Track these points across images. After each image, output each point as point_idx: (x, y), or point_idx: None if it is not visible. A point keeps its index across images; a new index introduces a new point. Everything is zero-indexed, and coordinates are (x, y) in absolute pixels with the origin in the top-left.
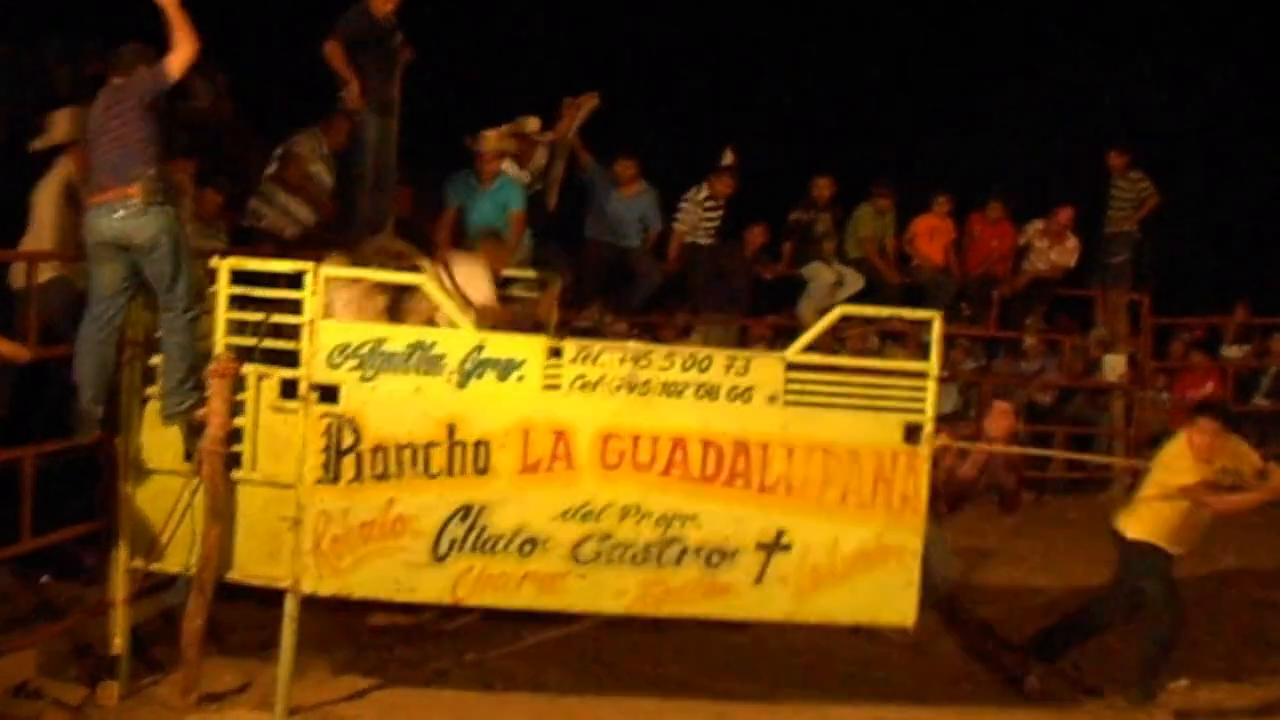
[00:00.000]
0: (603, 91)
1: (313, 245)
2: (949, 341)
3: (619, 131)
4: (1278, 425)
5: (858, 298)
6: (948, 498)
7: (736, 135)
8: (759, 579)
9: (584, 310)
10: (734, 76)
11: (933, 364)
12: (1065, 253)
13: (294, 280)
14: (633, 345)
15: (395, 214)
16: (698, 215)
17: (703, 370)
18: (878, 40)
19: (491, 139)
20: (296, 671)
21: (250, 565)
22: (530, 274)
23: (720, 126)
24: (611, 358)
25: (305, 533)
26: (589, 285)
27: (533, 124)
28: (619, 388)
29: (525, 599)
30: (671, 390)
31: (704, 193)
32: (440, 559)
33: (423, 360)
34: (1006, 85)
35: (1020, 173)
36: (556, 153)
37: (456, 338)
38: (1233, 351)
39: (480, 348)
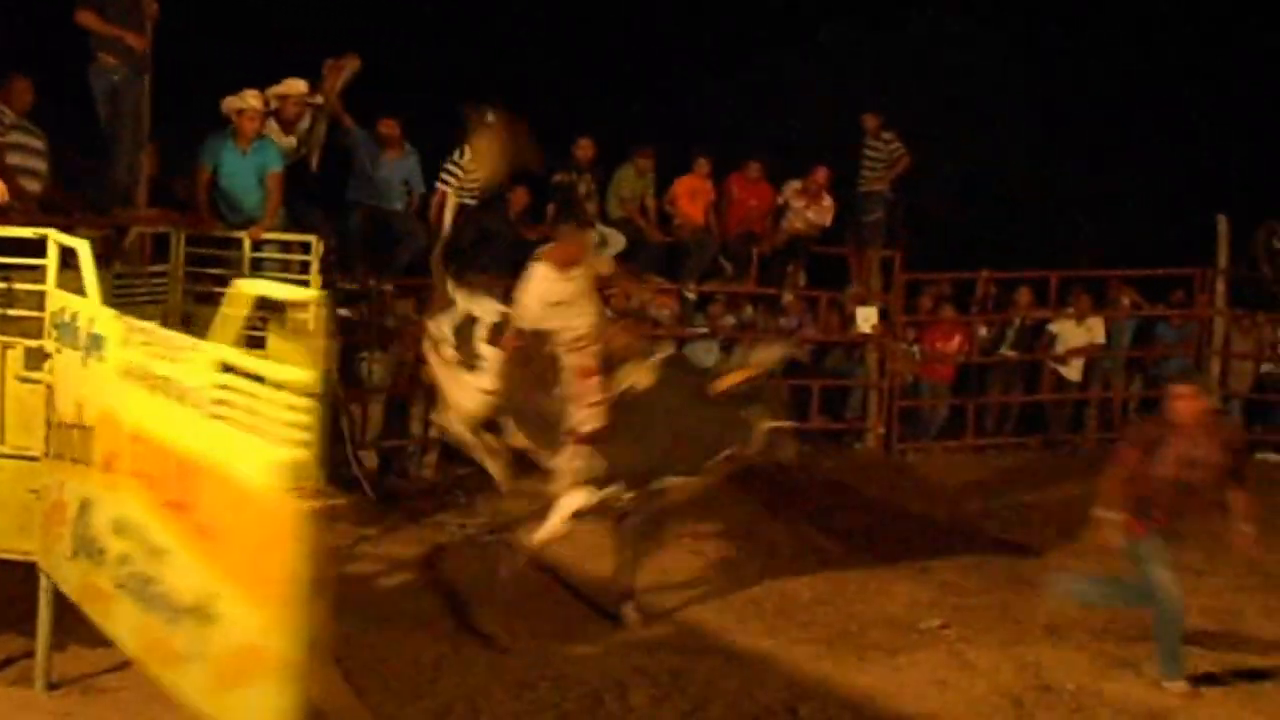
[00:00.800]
0: (363, 54)
1: (57, 210)
2: (710, 299)
3: (380, 94)
4: (1022, 376)
5: (622, 257)
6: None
7: (498, 97)
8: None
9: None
10: (495, 38)
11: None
12: (822, 212)
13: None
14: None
15: (148, 173)
16: (461, 178)
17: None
18: (637, 1)
19: (250, 98)
20: (56, 645)
21: (2, 538)
22: (289, 237)
23: (482, 88)
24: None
25: (38, 507)
26: (352, 249)
27: (298, 86)
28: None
29: (99, 618)
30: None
31: (466, 155)
32: (72, 556)
33: (69, 332)
34: (767, 49)
35: (778, 134)
36: (318, 115)
37: (85, 307)
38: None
39: (93, 320)
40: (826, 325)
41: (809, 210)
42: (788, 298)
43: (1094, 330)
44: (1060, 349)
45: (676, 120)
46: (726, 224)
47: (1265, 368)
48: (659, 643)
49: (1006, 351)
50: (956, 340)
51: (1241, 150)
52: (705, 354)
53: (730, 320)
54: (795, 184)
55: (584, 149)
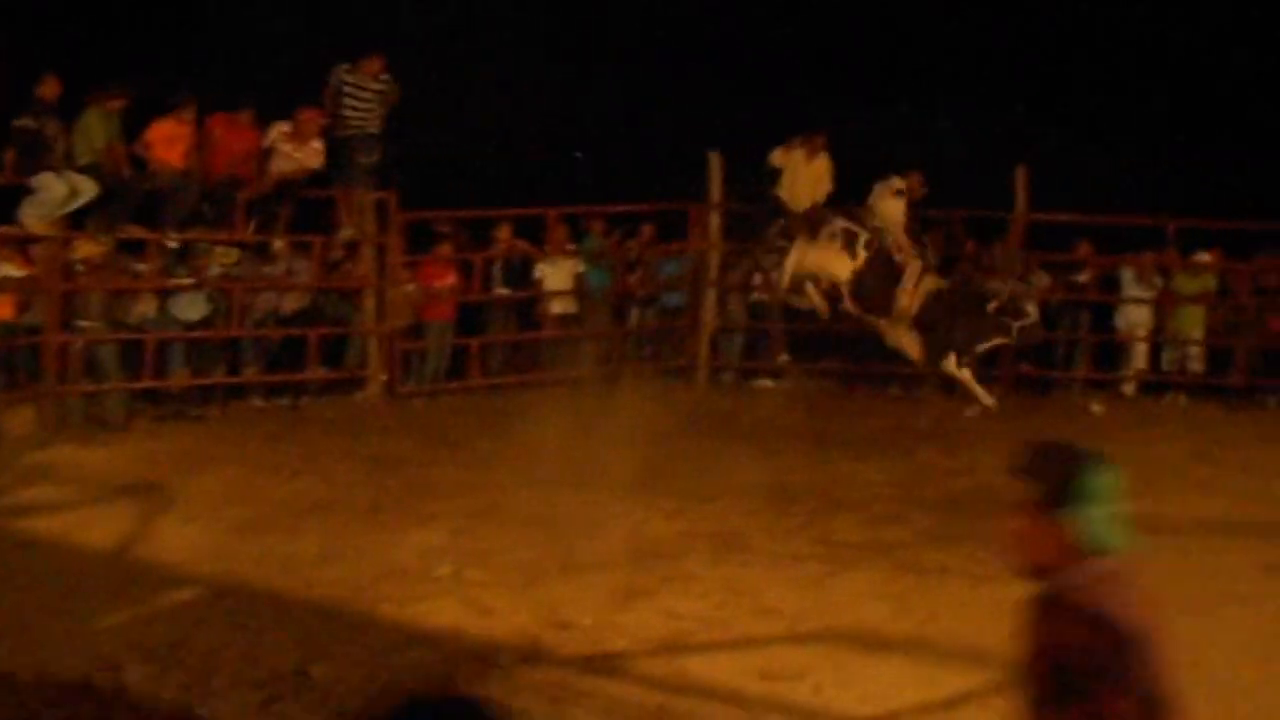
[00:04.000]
0: None
1: None
2: (191, 248)
3: None
4: (512, 312)
5: (94, 205)
6: None
7: None
8: None
9: None
10: None
11: None
12: (311, 154)
13: None
14: None
15: None
16: None
17: None
18: None
19: None
20: None
21: None
22: None
23: None
24: None
25: None
26: None
27: None
28: None
29: None
30: None
31: None
32: None
33: None
34: None
35: (267, 75)
36: None
37: None
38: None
39: None
40: (320, 270)
41: (297, 153)
42: (277, 244)
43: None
44: (545, 287)
45: (155, 59)
46: (209, 167)
47: (754, 297)
48: (154, 616)
49: (499, 290)
50: (450, 278)
51: (735, 87)
52: (190, 307)
53: (216, 270)
54: (283, 126)
55: (48, 88)
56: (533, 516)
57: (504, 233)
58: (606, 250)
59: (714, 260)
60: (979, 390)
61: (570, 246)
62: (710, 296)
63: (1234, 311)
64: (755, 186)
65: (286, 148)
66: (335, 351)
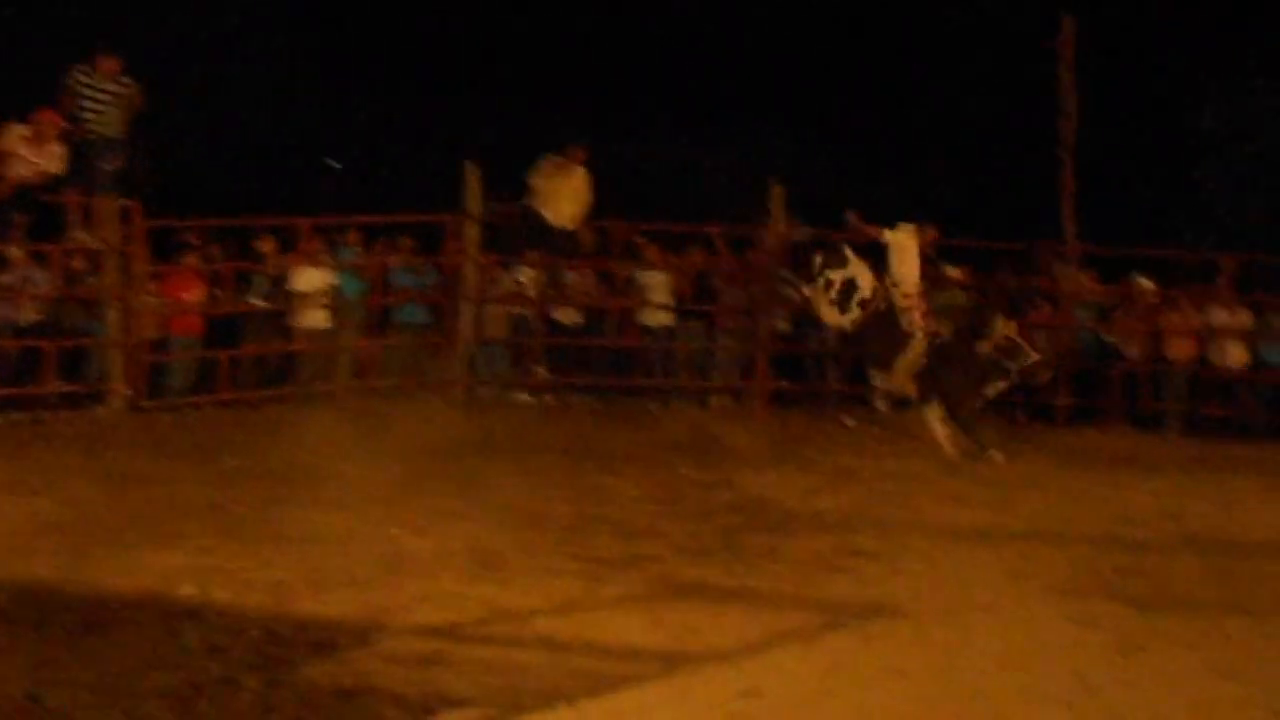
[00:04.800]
0: None
1: None
2: None
3: None
4: (275, 327)
5: None
6: None
7: None
8: None
9: None
10: None
11: None
12: (50, 158)
13: None
14: None
15: None
16: None
17: None
18: None
19: None
20: None
21: None
22: None
23: None
24: None
25: None
26: None
27: None
28: None
29: None
30: None
31: None
32: None
33: None
34: None
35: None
36: None
37: None
38: None
39: None
40: (59, 280)
41: (36, 157)
42: (14, 252)
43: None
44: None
45: None
46: None
47: (518, 310)
48: None
49: (255, 301)
50: (198, 289)
51: (498, 101)
52: None
53: None
54: (21, 129)
55: None
56: (281, 535)
57: (267, 245)
58: (361, 262)
59: (471, 273)
60: (947, 443)
61: (325, 258)
62: (467, 310)
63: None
64: (514, 199)
65: (24, 151)
66: (75, 365)
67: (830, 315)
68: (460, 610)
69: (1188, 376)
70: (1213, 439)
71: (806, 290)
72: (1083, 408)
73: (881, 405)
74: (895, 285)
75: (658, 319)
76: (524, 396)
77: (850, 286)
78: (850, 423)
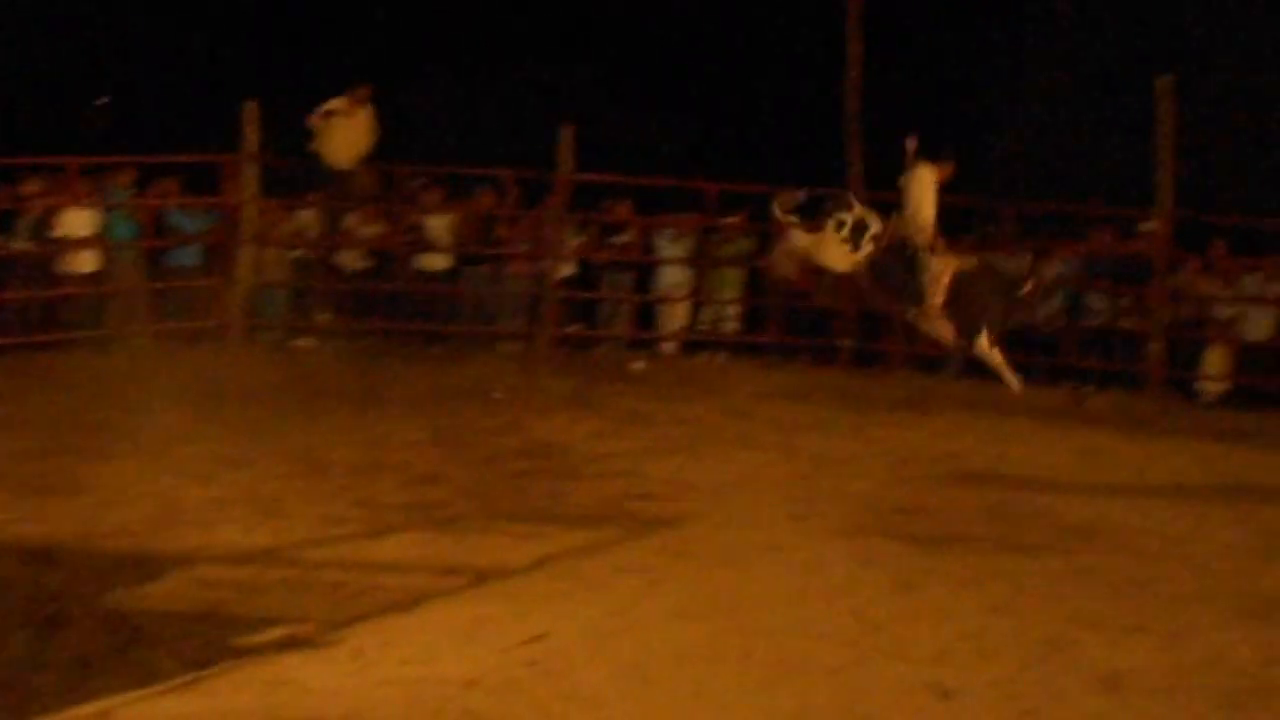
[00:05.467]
0: None
1: None
2: None
3: None
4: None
5: None
6: None
7: None
8: None
9: None
10: None
11: None
12: None
13: None
14: None
15: None
16: None
17: None
18: None
19: None
20: None
21: None
22: None
23: None
24: None
25: None
26: None
27: None
28: None
29: None
30: None
31: None
32: None
33: None
34: None
35: None
36: None
37: None
38: None
39: None
40: None
41: None
42: None
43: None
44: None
45: None
46: None
47: (297, 253)
48: None
49: (19, 244)
50: None
51: (263, 40)
52: None
53: None
54: None
55: None
56: (50, 487)
57: (32, 186)
58: (133, 203)
59: (250, 215)
60: (1009, 372)
61: (93, 199)
62: (247, 253)
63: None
64: (296, 139)
65: None
66: None
67: (840, 258)
68: (239, 559)
69: None
70: (989, 381)
71: (804, 240)
72: (865, 351)
73: (954, 370)
74: (910, 220)
75: (440, 263)
76: (306, 341)
77: (861, 225)
78: (638, 366)
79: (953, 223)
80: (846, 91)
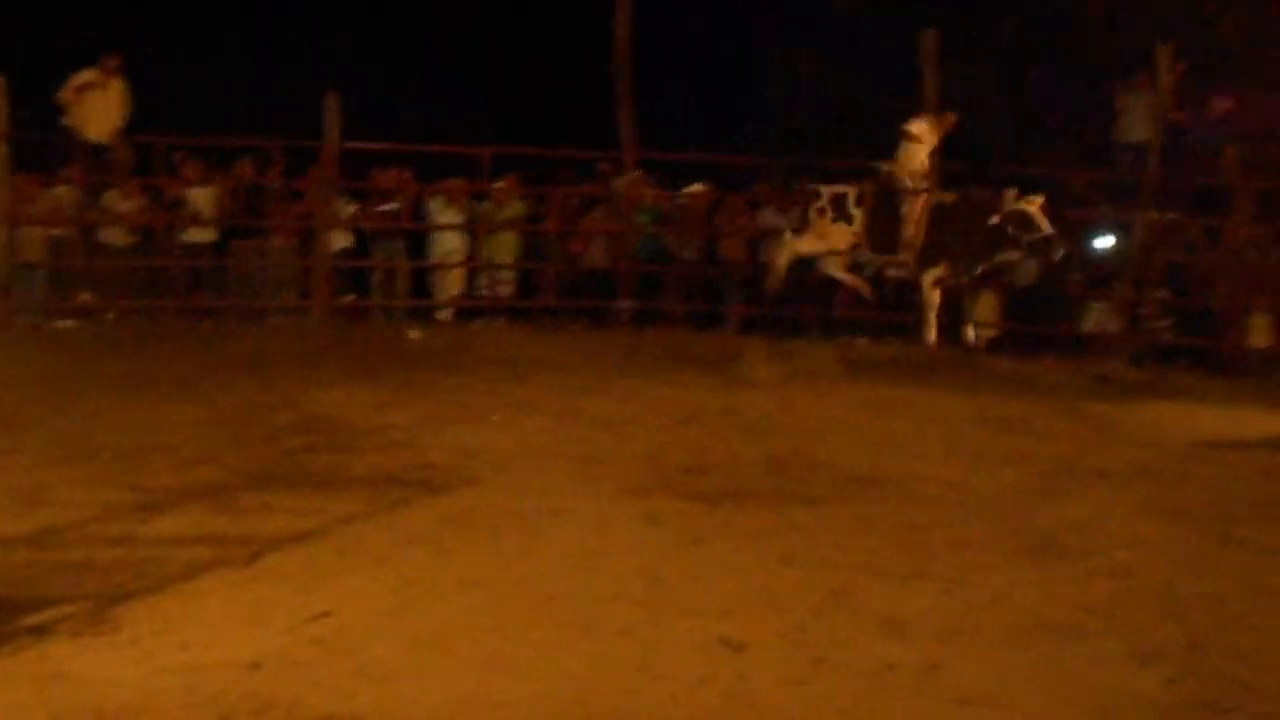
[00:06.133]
0: None
1: None
2: None
3: None
4: None
5: None
6: None
7: None
8: None
9: None
10: None
11: None
12: None
13: None
14: None
15: None
16: None
17: None
18: None
19: None
20: None
21: None
22: None
23: None
24: None
25: None
26: None
27: None
28: None
29: None
30: None
31: None
32: None
33: None
34: None
35: None
36: None
37: None
38: None
39: None
40: None
41: None
42: None
43: None
44: None
45: None
46: None
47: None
48: None
49: None
50: None
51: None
52: None
53: None
54: None
55: None
56: None
57: None
58: None
59: (2, 193)
60: (932, 322)
61: None
62: (0, 233)
63: (541, 237)
64: (48, 114)
65: None
66: None
67: (841, 236)
68: (7, 546)
69: (742, 276)
70: (768, 336)
71: (804, 243)
72: (644, 310)
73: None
74: (902, 165)
75: (205, 237)
76: (67, 323)
77: (841, 198)
78: (414, 335)
79: (729, 179)
80: (617, 53)
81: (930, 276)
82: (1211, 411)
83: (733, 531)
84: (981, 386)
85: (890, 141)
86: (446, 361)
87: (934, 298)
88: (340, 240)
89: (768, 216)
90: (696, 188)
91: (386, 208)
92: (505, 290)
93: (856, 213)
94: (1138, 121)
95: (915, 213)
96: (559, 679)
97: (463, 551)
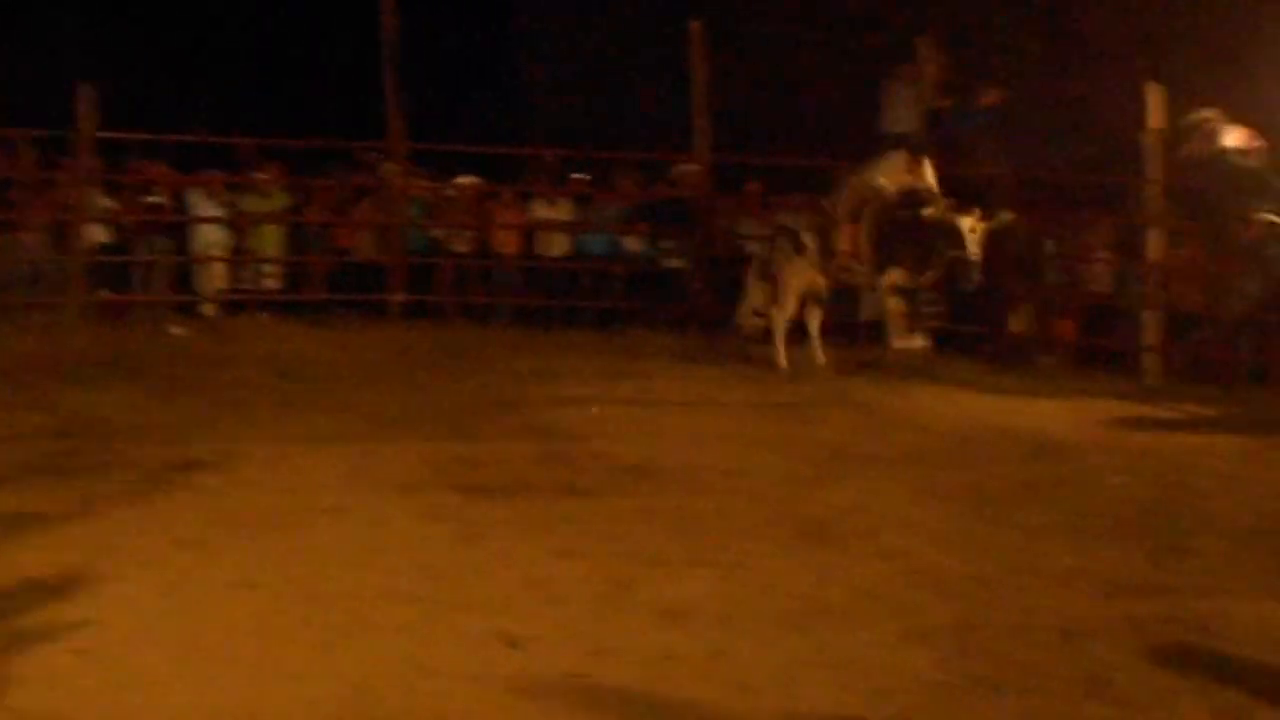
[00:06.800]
0: None
1: None
2: None
3: None
4: None
5: None
6: None
7: None
8: None
9: None
10: None
11: None
12: None
13: None
14: None
15: None
16: None
17: None
18: None
19: None
20: None
21: None
22: None
23: None
24: None
25: None
26: None
27: None
28: None
29: None
30: None
31: None
32: None
33: None
34: None
35: None
36: None
37: None
38: None
39: None
40: None
41: None
42: None
43: None
44: None
45: None
46: None
47: None
48: None
49: None
50: None
51: None
52: None
53: None
54: None
55: None
56: None
57: None
58: None
59: None
60: (901, 327)
61: None
62: None
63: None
64: None
65: None
66: None
67: (811, 275)
68: None
69: (516, 268)
70: (539, 329)
71: (799, 279)
72: (415, 304)
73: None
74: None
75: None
76: None
77: (789, 233)
78: (178, 331)
79: (496, 172)
80: (384, 45)
81: (888, 281)
82: (978, 397)
83: (509, 525)
84: (753, 374)
85: (659, 133)
86: (211, 358)
87: (895, 304)
88: (99, 234)
89: (540, 209)
90: (466, 179)
91: (151, 200)
92: (271, 284)
93: (810, 244)
94: (903, 113)
95: (862, 229)
96: (334, 681)
97: (232, 553)
